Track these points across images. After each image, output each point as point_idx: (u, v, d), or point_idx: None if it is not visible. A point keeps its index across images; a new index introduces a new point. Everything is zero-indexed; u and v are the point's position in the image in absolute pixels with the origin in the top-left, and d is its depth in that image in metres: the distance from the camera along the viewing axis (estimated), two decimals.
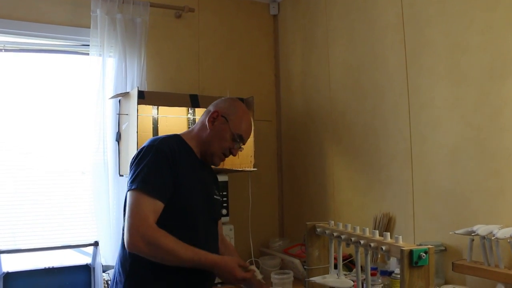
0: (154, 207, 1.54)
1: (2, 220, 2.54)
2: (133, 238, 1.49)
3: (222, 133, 1.76)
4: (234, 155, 1.84)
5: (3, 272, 2.22)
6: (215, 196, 1.85)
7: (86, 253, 2.56)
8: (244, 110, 1.84)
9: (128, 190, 1.58)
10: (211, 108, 1.82)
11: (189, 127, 2.88)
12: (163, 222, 1.56)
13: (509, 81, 1.75)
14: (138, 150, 1.67)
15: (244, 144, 1.83)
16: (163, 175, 1.59)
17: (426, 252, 1.20)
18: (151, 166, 1.58)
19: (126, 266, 1.62)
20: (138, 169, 1.58)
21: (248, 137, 1.85)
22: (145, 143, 1.70)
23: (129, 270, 1.61)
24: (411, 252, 1.20)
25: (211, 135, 1.76)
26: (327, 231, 1.65)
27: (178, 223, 1.63)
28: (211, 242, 1.76)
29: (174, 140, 1.73)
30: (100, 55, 2.67)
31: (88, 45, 2.68)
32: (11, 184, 2.59)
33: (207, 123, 1.76)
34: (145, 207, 1.53)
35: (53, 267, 2.33)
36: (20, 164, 2.62)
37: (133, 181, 1.57)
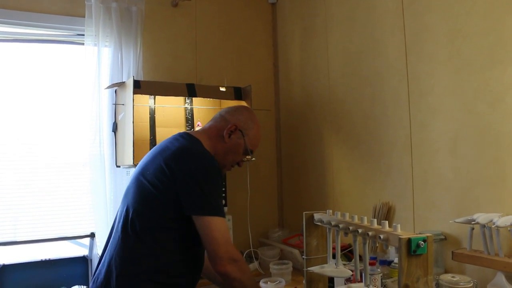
0: (227, 228, 1.70)
1: (2, 213, 2.52)
2: (225, 264, 1.56)
3: (237, 147, 1.80)
4: (240, 166, 1.90)
5: (0, 265, 2.21)
6: None
7: (83, 245, 2.55)
8: (259, 125, 1.87)
9: (205, 214, 1.58)
10: (228, 117, 1.82)
11: (186, 117, 2.85)
12: (187, 231, 1.62)
13: (510, 67, 1.72)
14: (201, 166, 1.63)
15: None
16: (221, 194, 1.71)
17: (424, 241, 1.17)
18: (215, 190, 1.62)
19: (151, 264, 1.61)
20: (210, 192, 1.60)
21: None
22: (197, 156, 1.66)
23: (148, 267, 1.61)
24: (409, 240, 1.17)
25: (226, 148, 1.79)
26: (325, 221, 1.62)
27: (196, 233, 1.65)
28: None
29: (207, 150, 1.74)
30: (95, 44, 2.64)
31: (83, 35, 2.64)
32: (9, 176, 2.56)
33: (224, 135, 1.78)
34: (226, 232, 1.60)
35: (49, 259, 2.32)
36: (18, 156, 2.59)
37: (209, 206, 1.59)
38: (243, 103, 2.75)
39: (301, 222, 1.75)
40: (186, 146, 1.69)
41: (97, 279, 1.65)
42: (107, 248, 1.71)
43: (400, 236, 1.18)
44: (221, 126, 1.80)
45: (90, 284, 1.69)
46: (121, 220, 1.67)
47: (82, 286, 1.19)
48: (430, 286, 1.19)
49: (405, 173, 2.20)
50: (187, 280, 1.69)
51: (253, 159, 1.91)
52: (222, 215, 1.59)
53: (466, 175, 1.90)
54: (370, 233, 1.35)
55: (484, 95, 1.82)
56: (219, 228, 1.56)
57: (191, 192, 1.58)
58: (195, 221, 1.58)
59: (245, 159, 1.88)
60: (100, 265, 1.70)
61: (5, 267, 2.22)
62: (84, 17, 2.62)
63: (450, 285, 1.46)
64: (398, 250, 1.19)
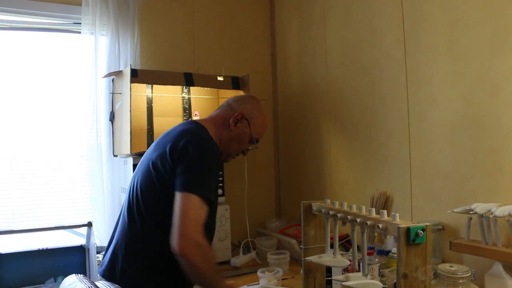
0: (205, 213, 1.53)
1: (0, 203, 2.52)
2: (184, 242, 1.44)
3: (242, 136, 1.80)
4: (245, 155, 1.90)
5: None
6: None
7: (80, 234, 2.55)
8: (264, 114, 1.88)
9: (184, 190, 1.51)
10: (235, 106, 1.82)
11: (184, 107, 2.84)
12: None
13: (510, 57, 1.71)
14: (196, 145, 1.60)
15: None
16: (215, 179, 1.64)
17: (423, 230, 1.17)
18: (206, 172, 1.57)
19: (151, 251, 1.60)
20: (196, 171, 1.55)
21: None
22: (195, 137, 1.64)
23: (150, 253, 1.60)
24: (408, 229, 1.17)
25: (232, 136, 1.79)
26: (322, 210, 1.62)
27: (211, 216, 1.64)
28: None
29: (210, 136, 1.71)
30: (92, 33, 2.61)
31: (80, 23, 2.61)
32: (6, 166, 2.55)
33: (230, 123, 1.77)
34: (200, 214, 1.50)
35: (47, 248, 2.31)
36: (15, 145, 2.58)
37: (190, 182, 1.52)
38: (241, 93, 2.74)
39: (299, 212, 1.75)
40: (190, 129, 1.69)
41: (104, 263, 1.67)
42: (115, 233, 1.72)
43: (399, 225, 1.18)
44: (228, 115, 1.80)
45: (98, 269, 1.70)
46: (127, 205, 1.68)
47: (79, 274, 1.19)
48: (429, 275, 1.19)
49: (403, 163, 2.20)
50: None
51: (256, 147, 1.90)
52: (204, 196, 1.51)
53: (464, 165, 1.90)
54: (368, 223, 1.34)
55: (483, 85, 1.81)
56: (194, 206, 1.49)
57: (182, 170, 1.55)
58: (175, 197, 1.52)
59: (250, 147, 1.88)
60: (107, 250, 1.72)
61: (3, 256, 2.21)
62: (80, 5, 2.59)
63: (448, 275, 1.46)
64: (397, 239, 1.19)
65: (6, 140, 2.56)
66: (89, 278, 1.47)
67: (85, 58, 2.60)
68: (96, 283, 1.34)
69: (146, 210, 1.62)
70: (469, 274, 1.47)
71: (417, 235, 1.17)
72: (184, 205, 1.48)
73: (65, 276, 1.52)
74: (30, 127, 2.62)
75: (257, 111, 1.84)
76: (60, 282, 1.62)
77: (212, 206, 1.58)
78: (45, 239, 2.46)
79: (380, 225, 1.28)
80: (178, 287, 1.64)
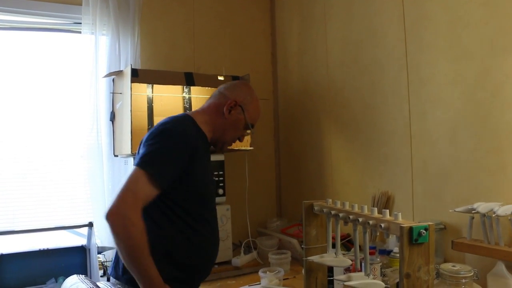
0: (151, 194, 1.49)
1: (1, 203, 2.51)
2: (114, 209, 1.41)
3: (237, 123, 1.78)
4: (241, 141, 1.87)
5: None
6: (213, 177, 1.93)
7: (81, 235, 2.54)
8: (257, 99, 1.86)
9: (135, 164, 1.51)
10: (227, 93, 1.80)
11: (184, 106, 2.84)
12: (188, 209, 1.61)
13: (511, 56, 1.70)
14: (157, 127, 1.61)
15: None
16: (173, 164, 1.54)
17: (426, 229, 1.16)
18: (164, 152, 1.54)
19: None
20: (152, 149, 1.53)
21: None
22: (164, 121, 1.65)
23: None
24: (411, 229, 1.16)
25: (226, 124, 1.77)
26: (324, 210, 1.61)
27: (197, 210, 1.64)
28: (216, 220, 1.81)
29: (191, 125, 1.70)
30: (92, 33, 2.61)
31: (80, 23, 2.61)
32: (7, 166, 2.55)
33: (224, 111, 1.75)
34: (142, 190, 1.46)
35: (48, 248, 2.30)
36: (16, 146, 2.57)
37: (143, 158, 1.51)
38: None
39: (300, 212, 1.75)
40: (166, 118, 1.69)
41: (112, 261, 1.71)
42: None
43: (402, 225, 1.17)
44: (221, 103, 1.78)
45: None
46: None
47: (80, 275, 1.19)
48: (432, 275, 1.19)
49: (404, 163, 2.19)
50: (198, 264, 1.66)
51: (253, 133, 1.88)
52: (151, 171, 1.47)
53: (465, 164, 1.89)
54: (370, 222, 1.34)
55: (484, 84, 1.81)
56: (137, 180, 1.46)
57: (141, 151, 1.56)
58: None
59: (246, 133, 1.86)
60: None
61: (3, 256, 2.21)
62: (81, 5, 2.59)
63: (451, 274, 1.45)
64: (399, 239, 1.18)
65: (7, 140, 2.56)
66: (90, 278, 1.47)
67: (86, 58, 2.59)
68: (98, 283, 1.34)
69: None
70: (471, 274, 1.46)
71: (419, 234, 1.16)
72: (129, 177, 1.47)
73: (66, 277, 1.52)
74: (31, 127, 2.61)
75: (250, 96, 1.82)
76: (61, 283, 1.62)
77: (162, 189, 1.52)
78: (46, 239, 2.45)
79: (383, 225, 1.28)
80: (176, 281, 1.63)
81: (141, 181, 1.47)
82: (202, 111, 1.81)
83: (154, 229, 1.56)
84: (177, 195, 1.60)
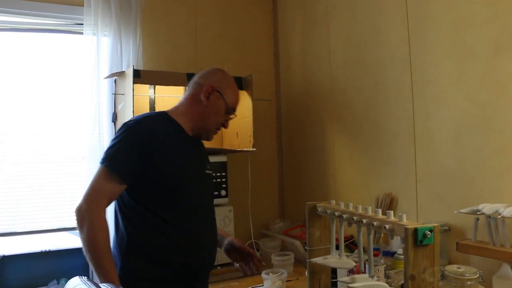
0: (114, 189, 1.52)
1: (1, 204, 2.50)
2: (78, 207, 1.48)
3: (217, 108, 1.75)
4: (226, 128, 1.83)
5: (0, 256, 2.19)
6: (207, 171, 1.82)
7: None
8: (233, 81, 1.83)
9: (99, 162, 1.55)
10: (201, 81, 1.77)
11: None
12: (154, 203, 1.58)
13: None
14: (122, 124, 1.64)
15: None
16: (131, 157, 1.54)
17: (431, 231, 1.15)
18: (122, 146, 1.55)
19: (122, 245, 1.59)
20: (111, 145, 1.56)
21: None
22: (130, 119, 1.68)
23: (125, 249, 1.58)
24: (415, 230, 1.15)
25: (207, 111, 1.73)
26: (328, 211, 1.60)
27: (172, 204, 1.61)
28: (208, 218, 1.76)
29: (158, 118, 1.70)
30: (94, 34, 2.60)
31: (82, 24, 2.60)
32: (8, 168, 2.54)
33: (202, 99, 1.72)
34: (103, 186, 1.51)
35: (49, 250, 2.30)
36: (17, 147, 2.57)
37: (104, 155, 1.55)
38: (244, 93, 2.72)
39: (303, 213, 1.74)
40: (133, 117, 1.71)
41: None
42: None
43: (406, 226, 1.16)
44: (197, 92, 1.75)
45: None
46: None
47: (83, 277, 1.18)
48: (437, 276, 1.18)
49: (408, 164, 2.18)
50: (180, 260, 1.61)
51: (235, 116, 1.84)
52: (110, 166, 1.51)
53: (470, 165, 1.88)
54: (375, 223, 1.33)
55: (488, 84, 1.79)
56: (97, 176, 1.52)
57: None
58: None
59: (229, 118, 1.81)
60: None
61: (5, 258, 2.20)
62: (82, 6, 2.58)
63: (456, 276, 1.44)
64: (404, 240, 1.17)
65: (8, 142, 2.55)
66: (92, 280, 1.45)
67: (87, 59, 2.58)
68: (100, 285, 1.33)
69: (117, 207, 1.65)
70: (477, 276, 1.45)
71: (424, 236, 1.15)
72: (94, 175, 1.53)
73: (68, 278, 1.50)
74: (32, 128, 2.61)
75: (226, 80, 1.79)
76: (63, 284, 1.62)
77: (126, 183, 1.54)
78: (48, 241, 2.45)
79: (387, 226, 1.27)
80: (163, 281, 1.60)
81: (101, 177, 1.52)
82: (179, 104, 1.79)
83: (130, 230, 1.58)
84: (147, 191, 1.58)
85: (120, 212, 1.62)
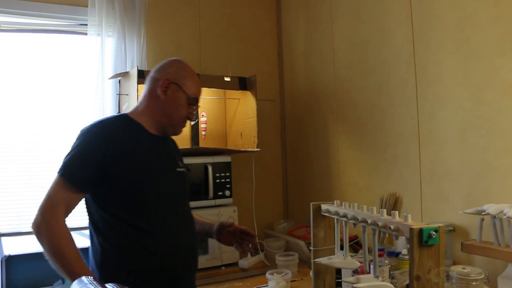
0: (70, 198, 1.47)
1: (6, 204, 2.52)
2: (34, 219, 1.43)
3: (177, 100, 1.65)
4: (192, 120, 1.75)
5: (5, 255, 2.20)
6: (178, 169, 1.73)
7: (88, 236, 2.53)
8: (191, 70, 1.74)
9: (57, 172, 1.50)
10: (157, 75, 1.68)
11: None
12: (122, 210, 1.52)
13: None
14: (79, 132, 1.59)
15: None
16: (87, 164, 1.49)
17: (436, 231, 1.15)
18: (76, 154, 1.50)
19: (97, 259, 1.54)
20: (67, 154, 1.52)
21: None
22: (87, 125, 1.60)
23: (100, 262, 1.54)
24: (420, 230, 1.15)
25: (167, 106, 1.65)
26: (332, 211, 1.60)
27: (139, 209, 1.55)
28: (182, 219, 1.68)
29: (116, 122, 1.63)
30: (98, 34, 2.61)
31: (86, 25, 2.61)
32: (13, 167, 2.55)
33: (159, 94, 1.63)
34: (60, 196, 1.46)
35: None
36: (22, 147, 2.58)
37: (61, 165, 1.50)
38: (248, 94, 2.73)
39: (307, 214, 1.73)
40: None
41: None
42: None
43: (412, 226, 1.16)
44: (154, 87, 1.66)
45: None
46: None
47: (88, 277, 1.18)
48: (442, 277, 1.17)
49: (413, 164, 2.17)
50: (154, 267, 1.54)
51: (199, 106, 1.77)
52: (66, 175, 1.46)
53: (475, 165, 1.87)
54: (379, 224, 1.32)
55: (493, 84, 1.79)
56: (53, 186, 1.47)
57: None
58: None
59: (193, 109, 1.71)
60: None
61: (11, 258, 2.21)
62: (87, 6, 2.60)
63: (461, 277, 1.44)
64: (409, 240, 1.17)
65: (13, 142, 2.56)
66: (99, 279, 1.45)
67: (92, 60, 2.59)
68: (106, 285, 1.33)
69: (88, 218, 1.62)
70: (482, 276, 1.45)
71: (429, 236, 1.15)
72: (50, 186, 1.48)
73: None
74: (37, 128, 2.62)
75: (183, 70, 1.70)
76: (68, 284, 1.62)
77: (83, 192, 1.51)
78: None
79: (392, 226, 1.26)
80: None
81: (57, 187, 1.47)
82: (138, 103, 1.71)
83: (103, 242, 1.53)
84: (112, 198, 1.53)
85: (92, 225, 1.57)
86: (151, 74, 1.71)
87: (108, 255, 1.52)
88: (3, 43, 2.57)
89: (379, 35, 2.38)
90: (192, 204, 2.47)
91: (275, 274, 2.11)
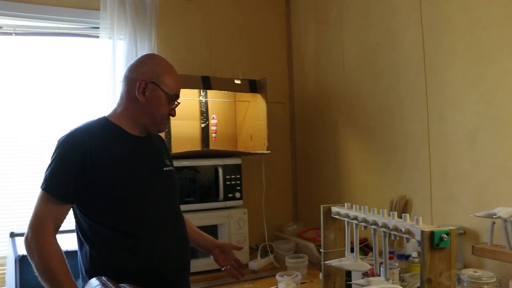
0: (57, 211, 1.48)
1: (20, 204, 2.54)
2: (25, 235, 1.45)
3: (158, 100, 1.60)
4: (174, 116, 1.69)
5: (19, 255, 2.22)
6: (165, 168, 1.69)
7: None
8: (167, 65, 1.67)
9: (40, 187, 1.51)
10: (132, 75, 1.61)
11: (201, 110, 2.85)
12: (108, 217, 1.51)
13: None
14: (57, 143, 1.57)
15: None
16: (68, 174, 1.48)
17: (448, 234, 1.15)
18: (56, 166, 1.50)
19: (87, 266, 1.54)
20: (48, 167, 1.51)
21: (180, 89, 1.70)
22: (65, 135, 1.59)
23: (89, 269, 1.54)
24: (432, 233, 1.15)
25: (147, 107, 1.60)
26: (343, 214, 1.61)
27: (125, 213, 1.53)
28: (170, 220, 1.65)
29: (93, 127, 1.60)
30: (110, 37, 2.64)
31: (98, 28, 2.64)
32: (24, 169, 2.58)
33: (138, 96, 1.58)
34: (46, 210, 1.47)
35: (67, 250, 2.32)
36: (32, 148, 2.61)
37: (43, 180, 1.50)
38: (258, 96, 2.74)
39: (316, 216, 1.74)
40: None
41: None
42: None
43: (423, 229, 1.17)
44: (131, 89, 1.60)
45: None
46: None
47: (102, 277, 1.20)
48: (453, 280, 1.18)
49: (423, 166, 2.17)
50: (145, 273, 1.52)
51: (179, 103, 1.70)
52: (48, 189, 1.47)
53: (486, 168, 1.87)
54: (390, 226, 1.33)
55: (504, 87, 1.79)
56: (38, 201, 1.47)
57: None
58: None
59: (175, 106, 1.67)
60: None
61: (24, 257, 2.23)
62: (98, 10, 2.62)
63: (473, 280, 1.44)
64: (420, 243, 1.18)
65: (23, 143, 2.59)
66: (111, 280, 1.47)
67: (103, 62, 2.62)
68: (120, 285, 1.35)
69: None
70: (494, 280, 1.45)
71: (441, 239, 1.16)
72: (36, 201, 1.49)
73: None
74: (50, 130, 2.64)
75: (159, 67, 1.63)
76: (79, 284, 1.62)
77: (69, 203, 1.51)
78: (64, 241, 2.47)
79: (403, 229, 1.27)
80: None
81: (42, 201, 1.48)
82: (117, 105, 1.66)
83: (91, 251, 1.52)
84: (97, 205, 1.52)
85: (80, 232, 1.56)
86: (126, 74, 1.65)
87: (97, 261, 1.51)
88: (18, 46, 2.60)
89: (389, 37, 2.38)
90: (203, 206, 2.53)
91: (285, 276, 2.11)
